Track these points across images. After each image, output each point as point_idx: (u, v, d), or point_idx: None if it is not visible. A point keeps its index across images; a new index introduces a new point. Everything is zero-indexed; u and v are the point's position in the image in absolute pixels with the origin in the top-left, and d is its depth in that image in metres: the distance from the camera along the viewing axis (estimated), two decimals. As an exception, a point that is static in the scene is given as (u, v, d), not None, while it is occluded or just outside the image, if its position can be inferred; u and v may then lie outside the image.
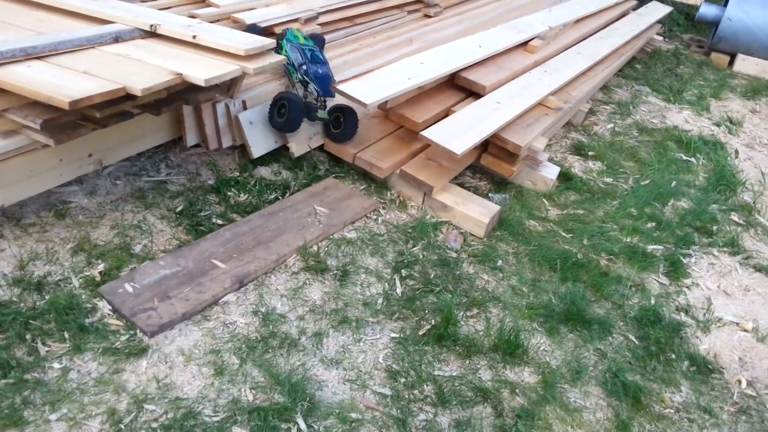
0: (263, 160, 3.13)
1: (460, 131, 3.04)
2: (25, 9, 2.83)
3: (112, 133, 2.62)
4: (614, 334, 2.55)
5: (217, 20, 3.30)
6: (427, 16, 4.72)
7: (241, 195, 2.93)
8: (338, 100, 3.10)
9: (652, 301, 2.78)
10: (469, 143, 2.96)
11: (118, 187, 2.81)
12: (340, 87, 2.91)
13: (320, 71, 3.11)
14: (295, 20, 3.51)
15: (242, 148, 3.09)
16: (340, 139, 3.20)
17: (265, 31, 3.34)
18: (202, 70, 2.32)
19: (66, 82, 2.10)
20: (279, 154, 3.21)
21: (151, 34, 2.61)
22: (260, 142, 3.04)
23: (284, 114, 2.98)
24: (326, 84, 3.08)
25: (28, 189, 2.44)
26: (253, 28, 3.23)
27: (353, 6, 3.99)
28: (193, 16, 3.19)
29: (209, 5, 3.31)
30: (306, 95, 3.15)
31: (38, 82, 2.06)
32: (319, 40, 3.47)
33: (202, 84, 2.27)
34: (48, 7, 2.81)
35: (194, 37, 2.53)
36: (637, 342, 2.54)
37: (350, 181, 3.20)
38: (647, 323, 2.63)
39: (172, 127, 2.95)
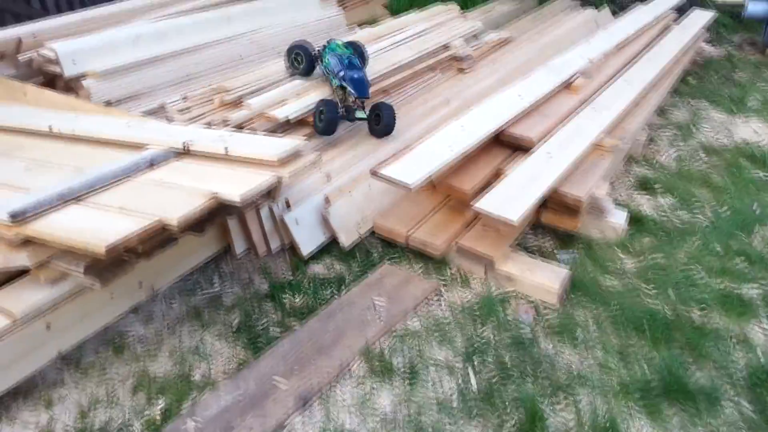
0: (314, 255, 3.04)
1: (513, 195, 2.86)
2: (66, 145, 2.87)
3: (160, 258, 2.57)
4: (724, 404, 2.26)
5: (251, 120, 3.27)
6: (461, 71, 4.61)
7: (297, 298, 2.83)
8: (374, 100, 3.51)
9: (760, 356, 2.47)
10: (525, 208, 2.77)
11: (173, 309, 2.75)
12: (380, 172, 2.80)
13: (356, 76, 3.44)
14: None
15: (292, 248, 3.01)
16: (382, 133, 3.52)
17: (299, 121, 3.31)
18: (236, 187, 2.26)
19: (102, 224, 2.07)
20: (330, 246, 3.11)
21: (185, 152, 2.59)
22: (309, 240, 2.95)
23: (322, 120, 3.27)
24: (362, 86, 3.41)
25: (83, 330, 2.41)
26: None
27: (386, 77, 3.92)
28: (226, 121, 3.18)
29: (242, 107, 3.30)
30: (344, 99, 3.47)
31: (74, 230, 2.03)
32: (357, 48, 3.76)
33: (238, 202, 2.20)
34: (87, 140, 2.84)
35: (226, 150, 2.48)
36: (751, 410, 2.24)
37: (406, 262, 3.06)
38: (759, 384, 2.33)
39: (220, 238, 2.90)
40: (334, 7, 5.56)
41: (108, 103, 3.81)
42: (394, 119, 3.51)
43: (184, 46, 4.21)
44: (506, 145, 3.46)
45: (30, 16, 5.57)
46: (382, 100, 3.49)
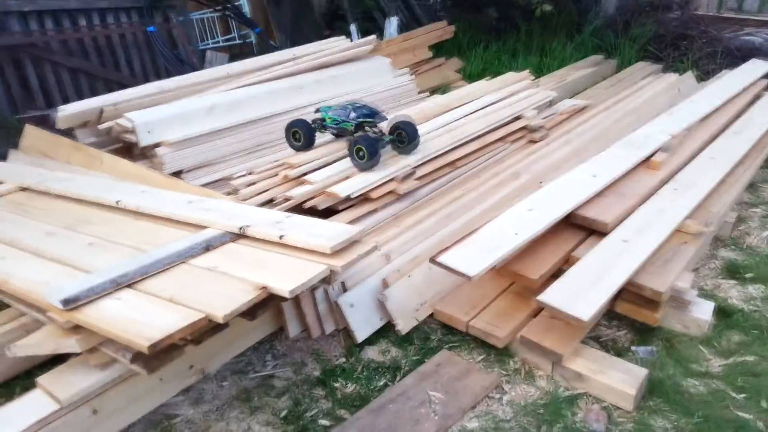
0: (370, 337, 2.91)
1: (583, 287, 2.65)
2: (130, 220, 2.91)
3: (211, 340, 2.52)
4: None
5: (313, 197, 3.24)
6: (533, 142, 4.47)
7: (348, 385, 2.69)
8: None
9: None
10: (598, 303, 2.56)
11: (224, 390, 2.68)
12: (440, 260, 2.67)
13: (365, 111, 3.71)
14: (391, 180, 3.38)
15: (346, 331, 2.90)
16: (408, 150, 3.66)
17: (362, 197, 3.25)
18: (287, 279, 2.18)
19: (148, 316, 2.03)
20: (387, 327, 2.98)
21: (241, 236, 2.55)
22: (364, 324, 2.84)
23: (363, 155, 3.41)
24: (375, 114, 3.69)
25: (131, 415, 2.36)
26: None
27: (453, 150, 3.83)
28: (288, 198, 3.16)
29: (304, 183, 3.27)
30: (368, 133, 3.64)
31: (121, 323, 2.00)
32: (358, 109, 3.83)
33: (287, 296, 2.13)
34: (149, 216, 2.87)
35: (281, 237, 2.43)
36: None
37: (466, 349, 2.88)
38: None
39: (274, 319, 2.83)
40: (406, 74, 5.58)
41: (180, 172, 3.91)
42: (417, 134, 3.68)
43: (257, 115, 4.30)
44: (578, 226, 3.26)
45: (120, 82, 5.90)
46: (401, 119, 3.70)
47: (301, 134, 3.77)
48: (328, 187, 3.23)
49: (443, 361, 2.78)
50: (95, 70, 5.68)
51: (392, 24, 6.65)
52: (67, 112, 3.98)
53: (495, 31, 7.81)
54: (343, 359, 2.84)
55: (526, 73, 5.30)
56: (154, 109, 4.07)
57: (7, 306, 2.72)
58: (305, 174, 3.39)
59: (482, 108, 4.41)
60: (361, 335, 2.82)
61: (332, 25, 8.64)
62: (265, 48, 6.92)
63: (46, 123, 5.22)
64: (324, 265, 2.28)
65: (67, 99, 5.52)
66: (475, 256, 2.68)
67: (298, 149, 3.79)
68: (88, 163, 3.89)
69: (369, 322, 2.86)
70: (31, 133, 4.40)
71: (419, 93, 5.50)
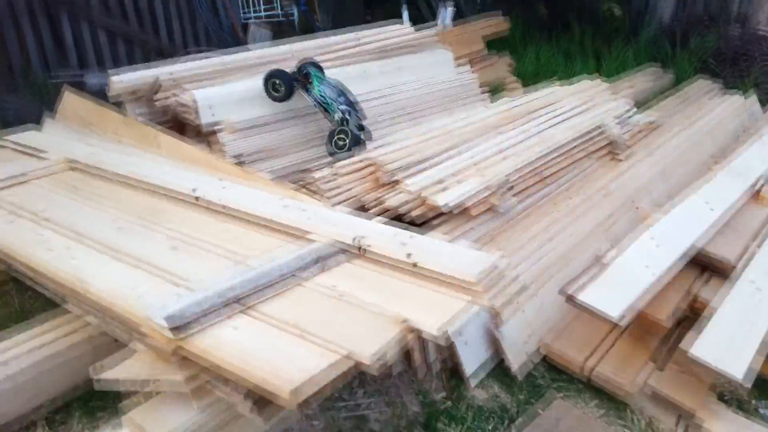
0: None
1: (731, 343, 2.35)
2: (212, 219, 2.55)
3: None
4: None
5: (407, 203, 2.90)
6: (614, 157, 4.15)
7: (455, 429, 2.38)
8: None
9: None
10: (747, 361, 2.27)
11: (315, 429, 2.35)
12: (579, 298, 2.35)
13: (352, 99, 3.72)
14: (491, 193, 3.05)
15: (444, 363, 2.57)
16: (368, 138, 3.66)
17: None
18: (430, 314, 1.85)
19: (279, 351, 1.69)
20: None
21: (358, 253, 2.21)
22: (473, 359, 2.52)
23: (344, 144, 3.48)
24: (361, 110, 3.73)
25: (221, 454, 2.02)
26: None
27: (542, 162, 3.50)
28: (379, 202, 2.82)
29: (401, 191, 2.92)
30: (341, 121, 3.60)
31: (247, 358, 1.65)
32: (318, 67, 3.85)
33: (434, 336, 1.80)
34: (234, 216, 2.51)
35: (410, 257, 2.09)
36: None
37: (577, 395, 2.57)
38: None
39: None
40: (467, 69, 5.23)
41: (239, 158, 3.55)
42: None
43: (322, 102, 3.92)
44: (693, 260, 2.96)
45: (158, 49, 5.47)
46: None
47: (281, 85, 3.71)
48: (428, 195, 2.88)
49: (562, 414, 2.46)
50: (133, 34, 5.23)
51: (447, 13, 6.25)
52: (123, 80, 3.58)
53: (544, 29, 7.45)
54: (445, 397, 2.52)
55: (598, 80, 4.97)
56: (218, 88, 3.69)
57: (55, 305, 2.37)
58: (395, 177, 3.04)
59: (564, 116, 4.08)
60: (471, 370, 2.50)
61: (370, 7, 8.22)
62: (309, 26, 6.52)
63: (81, 87, 4.80)
64: (467, 299, 1.94)
65: (102, 62, 5.09)
66: (613, 294, 2.38)
67: (275, 99, 3.74)
68: (142, 142, 3.50)
69: (477, 356, 2.54)
70: (70, 100, 3.98)
71: (481, 91, 5.15)
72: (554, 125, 3.91)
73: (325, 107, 3.69)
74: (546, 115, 4.02)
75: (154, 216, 2.59)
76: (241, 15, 6.06)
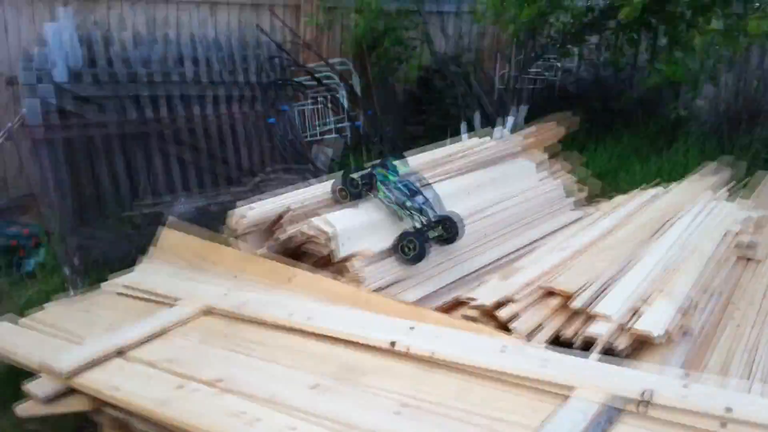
0: None
1: None
2: (411, 368, 2.21)
3: None
4: None
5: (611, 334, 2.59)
6: (748, 261, 3.93)
7: None
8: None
9: None
10: None
11: None
12: None
13: (422, 200, 3.51)
14: (684, 315, 2.77)
15: None
16: (452, 241, 3.56)
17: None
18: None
19: None
20: None
21: (635, 410, 1.86)
22: None
23: (410, 251, 3.31)
24: (433, 208, 3.50)
25: None
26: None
27: (706, 275, 3.25)
28: (580, 336, 2.51)
29: (597, 317, 2.62)
30: (414, 225, 3.44)
31: None
32: (385, 167, 3.66)
33: None
34: (453, 367, 2.17)
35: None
36: None
37: None
38: None
39: None
40: (549, 177, 5.12)
41: (379, 290, 3.24)
42: (464, 226, 3.57)
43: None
44: None
45: (228, 176, 5.28)
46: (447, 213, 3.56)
47: (347, 192, 3.58)
48: (629, 323, 2.58)
49: None
50: (204, 162, 5.04)
51: (508, 123, 6.22)
52: (252, 216, 3.32)
53: (600, 126, 7.45)
54: None
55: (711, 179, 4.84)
56: (343, 216, 3.44)
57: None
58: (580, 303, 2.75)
59: (693, 222, 3.89)
60: None
61: (408, 121, 8.26)
62: (359, 142, 6.43)
63: (160, 221, 4.53)
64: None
65: (174, 191, 4.85)
66: None
67: (345, 206, 3.57)
68: (271, 279, 3.19)
69: None
70: (171, 235, 3.70)
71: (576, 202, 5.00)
72: (690, 233, 3.69)
73: (395, 211, 3.53)
74: (677, 222, 3.82)
75: (348, 372, 2.24)
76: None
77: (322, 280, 3.08)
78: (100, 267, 3.92)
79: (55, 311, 3.11)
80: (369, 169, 3.67)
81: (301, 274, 3.14)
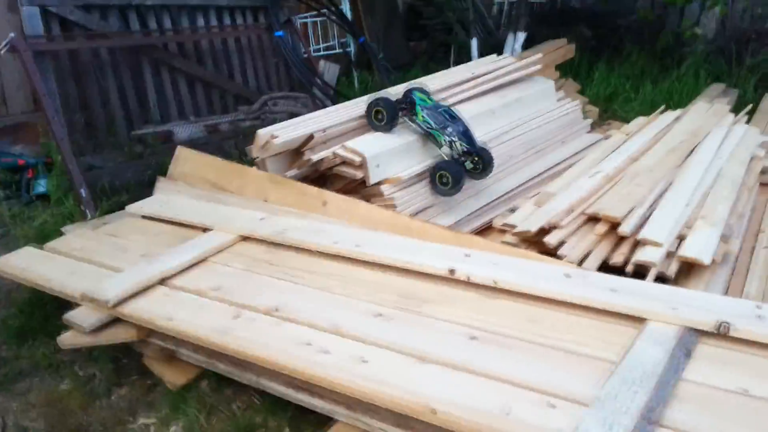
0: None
1: None
2: (474, 296, 2.18)
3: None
4: None
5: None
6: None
7: None
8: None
9: None
10: None
11: None
12: None
13: (461, 128, 3.35)
14: (726, 241, 2.77)
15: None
16: (480, 178, 3.43)
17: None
18: None
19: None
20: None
21: (716, 334, 1.87)
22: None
23: (447, 182, 3.24)
24: (472, 140, 3.34)
25: None
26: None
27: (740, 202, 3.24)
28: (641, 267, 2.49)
29: (647, 243, 2.59)
30: (452, 154, 3.34)
31: None
32: (425, 92, 3.60)
33: None
34: (520, 294, 2.15)
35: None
36: None
37: None
38: None
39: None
40: (567, 98, 5.01)
41: (413, 215, 3.19)
42: (492, 159, 3.44)
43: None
44: None
45: (237, 93, 5.06)
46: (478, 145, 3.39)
47: (384, 114, 3.39)
48: (682, 251, 2.57)
49: None
50: (212, 78, 4.80)
51: (519, 40, 6.02)
52: (282, 138, 3.17)
53: (592, 51, 7.31)
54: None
55: (723, 106, 4.77)
56: (375, 140, 3.32)
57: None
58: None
59: (717, 148, 3.85)
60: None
61: (411, 36, 7.98)
62: (365, 59, 6.19)
63: (170, 141, 4.36)
64: None
65: (183, 112, 4.64)
66: None
67: (377, 129, 3.42)
68: (302, 203, 3.10)
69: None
70: (188, 158, 3.56)
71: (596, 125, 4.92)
72: (718, 158, 3.66)
73: (432, 137, 3.40)
74: (704, 147, 3.77)
75: (411, 300, 2.20)
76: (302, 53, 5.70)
77: (359, 204, 3.00)
78: (115, 189, 3.78)
79: (80, 237, 2.99)
80: (404, 94, 3.52)
81: (335, 199, 3.06)
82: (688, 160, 3.60)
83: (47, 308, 2.83)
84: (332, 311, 2.15)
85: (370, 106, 3.42)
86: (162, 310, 2.22)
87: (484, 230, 3.48)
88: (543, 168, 4.13)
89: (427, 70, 5.87)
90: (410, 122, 3.44)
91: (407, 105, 3.45)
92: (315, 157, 3.20)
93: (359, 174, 3.15)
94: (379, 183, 3.19)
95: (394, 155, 3.28)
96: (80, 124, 4.04)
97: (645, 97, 6.18)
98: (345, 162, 3.19)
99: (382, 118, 3.39)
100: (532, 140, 4.30)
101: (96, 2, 4.13)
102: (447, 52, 7.70)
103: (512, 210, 3.33)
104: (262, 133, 3.23)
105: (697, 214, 2.92)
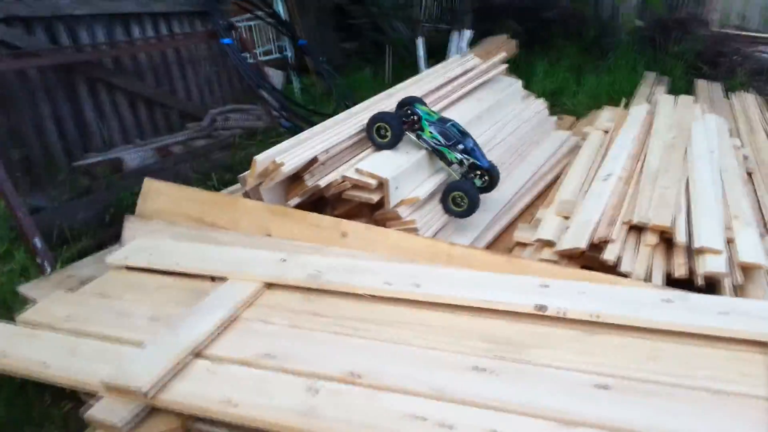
0: None
1: None
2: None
3: None
4: None
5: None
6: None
7: None
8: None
9: None
10: None
11: None
12: None
13: (470, 144, 3.19)
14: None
15: None
16: (488, 191, 3.28)
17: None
18: None
19: None
20: None
21: None
22: None
23: (462, 205, 3.02)
24: (482, 155, 3.19)
25: None
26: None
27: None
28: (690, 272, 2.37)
29: (705, 252, 2.47)
30: (461, 171, 3.18)
31: None
32: (423, 104, 3.43)
33: None
34: (629, 330, 1.94)
35: None
36: None
37: None
38: None
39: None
40: (534, 98, 4.93)
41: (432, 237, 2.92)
42: (499, 174, 3.33)
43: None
44: None
45: (182, 109, 4.53)
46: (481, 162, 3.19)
47: (388, 130, 3.13)
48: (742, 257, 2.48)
49: None
50: (154, 95, 4.25)
51: (464, 38, 5.87)
52: (291, 163, 2.78)
53: (523, 46, 7.34)
54: None
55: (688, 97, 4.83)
56: (387, 159, 3.02)
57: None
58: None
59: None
60: None
61: (346, 40, 7.65)
62: (303, 63, 5.81)
63: (119, 170, 3.83)
64: None
65: (127, 136, 4.08)
66: None
67: (380, 147, 3.15)
68: (318, 236, 2.75)
69: None
70: (160, 192, 3.11)
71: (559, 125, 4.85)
72: (711, 151, 3.66)
73: (440, 154, 3.17)
74: (694, 141, 3.77)
75: (500, 345, 1.94)
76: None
77: (387, 233, 2.70)
78: (72, 233, 3.22)
79: (59, 302, 2.46)
80: (405, 109, 3.25)
81: (357, 228, 2.74)
82: (690, 156, 3.57)
83: (29, 393, 2.32)
84: (423, 371, 1.85)
85: (371, 122, 3.11)
86: (216, 393, 1.83)
87: (494, 243, 3.29)
88: (531, 172, 4.00)
89: (369, 73, 5.60)
90: (415, 138, 3.17)
91: (411, 120, 3.19)
92: (323, 183, 2.85)
93: (374, 197, 2.85)
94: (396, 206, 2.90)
95: (408, 175, 2.99)
96: (14, 160, 3.41)
97: (589, 89, 6.24)
98: (356, 185, 2.87)
99: (386, 134, 3.10)
100: (515, 143, 4.16)
101: (18, 14, 3.50)
102: (379, 52, 7.46)
103: (536, 221, 3.13)
104: (261, 159, 2.83)
105: (729, 214, 2.86)
